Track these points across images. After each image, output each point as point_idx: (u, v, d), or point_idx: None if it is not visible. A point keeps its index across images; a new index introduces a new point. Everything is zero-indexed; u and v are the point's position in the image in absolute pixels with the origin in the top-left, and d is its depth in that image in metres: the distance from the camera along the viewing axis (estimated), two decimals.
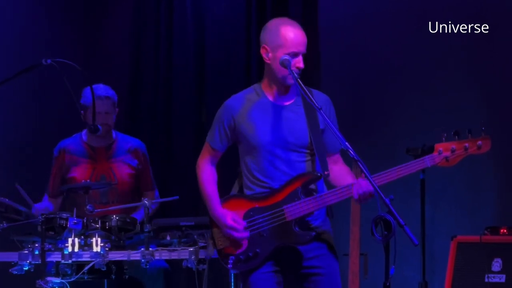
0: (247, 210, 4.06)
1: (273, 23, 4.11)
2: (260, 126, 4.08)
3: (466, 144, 3.95)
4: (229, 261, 4.05)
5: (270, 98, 4.12)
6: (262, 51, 4.09)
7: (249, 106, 4.11)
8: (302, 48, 4.03)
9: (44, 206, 5.25)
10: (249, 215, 4.06)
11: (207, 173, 4.19)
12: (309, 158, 4.10)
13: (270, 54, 4.05)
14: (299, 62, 4.02)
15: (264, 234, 4.03)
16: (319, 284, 4.05)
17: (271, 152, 4.06)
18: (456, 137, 3.95)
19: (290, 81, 4.04)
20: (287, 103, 4.12)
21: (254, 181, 4.10)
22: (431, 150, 4.20)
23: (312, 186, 4.09)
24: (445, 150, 3.95)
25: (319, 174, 4.05)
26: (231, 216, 4.05)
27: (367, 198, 3.92)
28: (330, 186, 4.12)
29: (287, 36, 4.02)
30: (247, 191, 4.13)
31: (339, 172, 4.13)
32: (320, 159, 4.05)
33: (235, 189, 4.24)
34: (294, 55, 4.01)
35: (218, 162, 4.22)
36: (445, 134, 3.97)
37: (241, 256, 4.05)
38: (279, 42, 4.01)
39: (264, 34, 4.09)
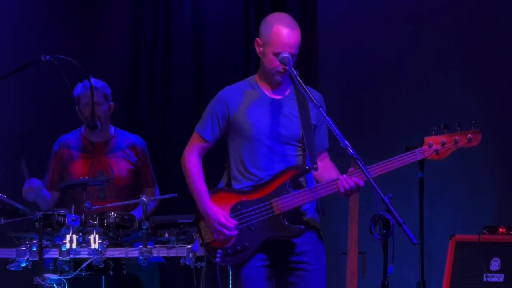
0: (235, 203, 4.08)
1: (270, 18, 4.16)
2: (255, 118, 4.10)
3: (456, 137, 4.00)
4: (216, 255, 4.06)
5: (264, 91, 4.15)
6: (255, 44, 4.14)
7: (244, 97, 4.13)
8: (289, 50, 4.04)
9: (38, 183, 5.21)
10: (236, 209, 4.08)
11: (195, 166, 4.18)
12: (300, 152, 4.13)
13: (261, 48, 4.11)
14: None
15: (252, 227, 4.04)
16: (304, 279, 4.09)
17: (265, 145, 4.08)
18: (446, 130, 3.98)
19: (278, 78, 4.09)
20: (281, 96, 4.16)
21: (243, 172, 4.11)
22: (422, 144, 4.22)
23: (301, 180, 4.11)
24: (435, 143, 4.00)
25: (307, 167, 4.06)
26: (222, 213, 4.06)
27: (353, 192, 3.95)
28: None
29: (277, 35, 4.05)
30: (234, 184, 4.15)
31: (324, 167, 4.17)
32: (310, 152, 4.07)
33: (223, 182, 4.25)
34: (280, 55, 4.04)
35: (206, 154, 4.22)
36: (435, 128, 4.00)
37: (229, 250, 4.06)
38: (269, 39, 4.07)
39: (261, 27, 4.15)
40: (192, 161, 4.18)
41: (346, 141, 3.86)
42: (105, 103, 5.44)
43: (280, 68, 4.05)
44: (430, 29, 6.01)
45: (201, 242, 4.20)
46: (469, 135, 4.00)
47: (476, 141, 4.01)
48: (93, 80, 5.42)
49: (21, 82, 5.98)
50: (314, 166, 4.05)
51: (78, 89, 5.37)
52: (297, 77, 4.00)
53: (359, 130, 5.92)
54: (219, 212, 4.07)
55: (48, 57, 4.63)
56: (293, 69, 4.01)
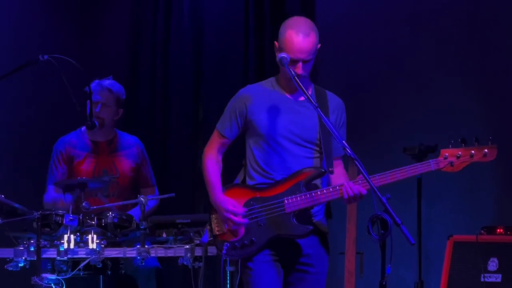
0: (248, 199, 4.11)
1: (285, 23, 4.14)
2: (271, 116, 4.11)
3: (472, 151, 3.98)
4: (223, 247, 4.07)
5: (284, 92, 4.17)
6: (274, 47, 4.14)
7: (263, 97, 4.16)
8: (301, 56, 4.05)
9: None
10: (249, 204, 4.10)
11: (212, 161, 4.21)
12: (317, 155, 4.14)
13: (277, 52, 4.11)
14: (297, 69, 4.05)
15: (261, 223, 4.06)
16: (303, 281, 4.12)
17: (278, 143, 4.10)
18: (463, 144, 3.98)
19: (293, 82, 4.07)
20: (300, 98, 4.15)
21: (257, 169, 4.14)
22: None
23: (317, 182, 4.12)
24: (450, 156, 3.98)
25: (323, 170, 4.07)
26: (231, 202, 4.09)
27: (356, 200, 3.97)
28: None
29: (288, 41, 4.06)
30: (249, 181, 4.18)
31: (337, 174, 4.17)
32: (326, 156, 4.10)
33: (238, 180, 4.26)
34: (293, 61, 4.04)
35: (225, 153, 4.23)
36: (452, 141, 3.99)
37: (236, 243, 4.08)
38: (283, 45, 4.08)
39: (279, 31, 4.14)
40: (210, 157, 4.22)
41: (344, 141, 3.87)
42: (113, 107, 5.46)
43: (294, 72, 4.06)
44: (430, 29, 6.00)
45: (210, 234, 4.21)
46: (485, 150, 3.98)
47: (492, 156, 3.99)
48: (109, 82, 5.48)
49: (21, 82, 5.98)
50: (330, 169, 4.07)
51: (93, 85, 5.39)
52: (295, 77, 4.00)
53: (359, 130, 5.91)
54: (227, 201, 4.10)
55: (46, 57, 4.62)
56: (291, 70, 4.01)
